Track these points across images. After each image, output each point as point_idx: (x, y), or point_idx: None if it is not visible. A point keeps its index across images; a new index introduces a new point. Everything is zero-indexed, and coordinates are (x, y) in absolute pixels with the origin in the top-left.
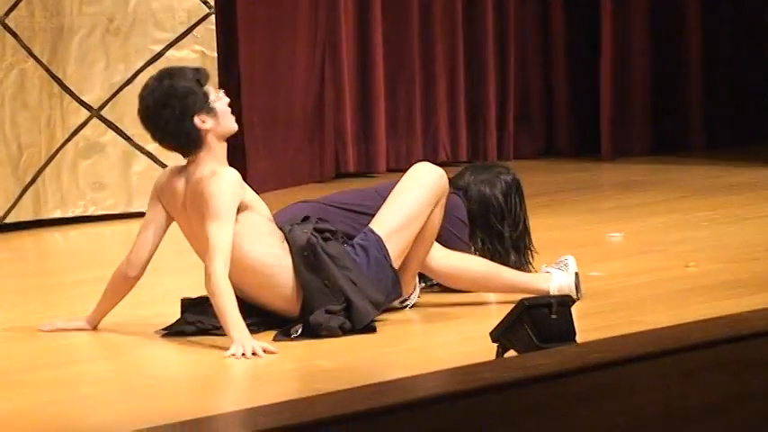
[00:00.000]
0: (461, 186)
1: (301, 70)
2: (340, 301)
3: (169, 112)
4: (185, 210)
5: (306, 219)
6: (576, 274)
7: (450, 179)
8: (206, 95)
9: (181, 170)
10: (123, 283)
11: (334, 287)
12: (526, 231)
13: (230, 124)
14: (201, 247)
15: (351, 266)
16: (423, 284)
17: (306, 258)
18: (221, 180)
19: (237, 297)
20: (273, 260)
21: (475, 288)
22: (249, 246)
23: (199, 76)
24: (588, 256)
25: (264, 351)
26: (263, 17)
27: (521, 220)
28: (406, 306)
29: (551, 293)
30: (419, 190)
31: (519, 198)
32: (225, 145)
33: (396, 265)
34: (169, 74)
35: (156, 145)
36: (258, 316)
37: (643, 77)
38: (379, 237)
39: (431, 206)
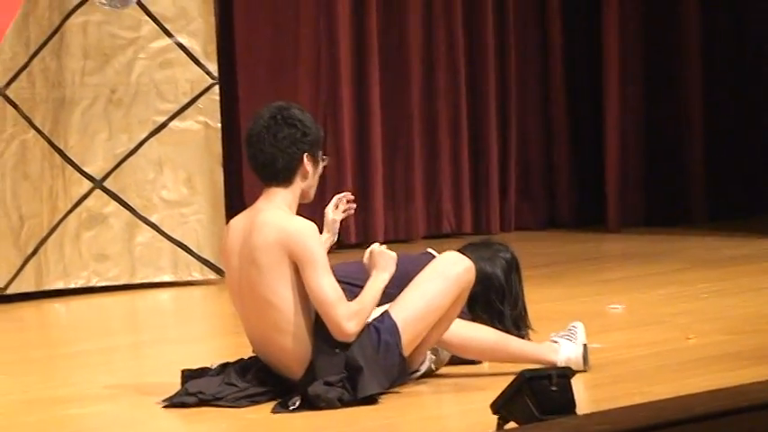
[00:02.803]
0: None
1: None
2: (341, 372)
3: (292, 131)
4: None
5: None
6: (585, 345)
7: None
8: (320, 148)
9: (240, 221)
10: None
11: (342, 356)
12: (524, 309)
13: (311, 192)
14: (254, 298)
15: (365, 343)
16: (433, 357)
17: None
18: (312, 232)
19: (251, 359)
20: (299, 311)
21: (484, 357)
22: (286, 290)
23: (321, 130)
24: (589, 328)
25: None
26: (264, 86)
27: (519, 297)
28: (414, 375)
29: (559, 364)
30: (444, 283)
31: (518, 276)
32: (296, 205)
33: (406, 352)
34: (300, 108)
35: (161, 215)
36: (264, 384)
37: (643, 149)
38: (394, 322)
39: (453, 299)
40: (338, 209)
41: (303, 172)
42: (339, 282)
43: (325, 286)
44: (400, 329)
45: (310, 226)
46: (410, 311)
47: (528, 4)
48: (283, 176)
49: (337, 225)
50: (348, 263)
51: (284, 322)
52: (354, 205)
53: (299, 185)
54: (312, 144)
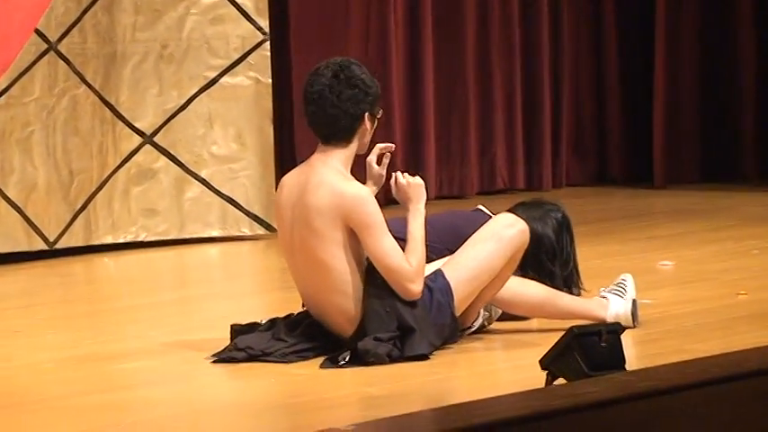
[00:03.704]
0: None
1: None
2: (392, 329)
3: (355, 92)
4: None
5: None
6: (634, 301)
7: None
8: (379, 107)
9: (294, 177)
10: None
11: (393, 316)
12: (576, 269)
13: (366, 145)
14: (305, 257)
15: (418, 302)
16: (486, 314)
17: (376, 281)
18: (368, 197)
19: (300, 315)
20: (351, 272)
21: (532, 314)
22: (338, 251)
23: (378, 85)
24: (639, 284)
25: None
26: (315, 42)
27: (570, 258)
28: (467, 331)
29: (608, 321)
30: (497, 244)
31: (569, 236)
32: (351, 162)
33: (458, 311)
34: (359, 65)
35: (211, 171)
36: (312, 340)
37: (695, 105)
38: (447, 282)
39: (506, 260)
40: (382, 162)
41: (362, 130)
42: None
43: (388, 250)
44: (453, 289)
45: (366, 191)
46: (463, 272)
47: None
48: (343, 136)
49: (383, 177)
50: (395, 218)
51: (336, 282)
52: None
53: (356, 143)
54: (373, 103)
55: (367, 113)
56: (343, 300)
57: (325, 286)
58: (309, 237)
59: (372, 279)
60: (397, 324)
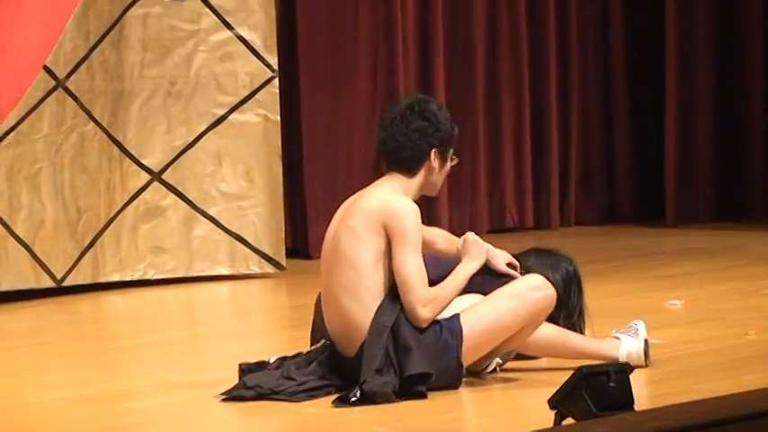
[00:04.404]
0: (524, 267)
1: (360, 132)
2: (388, 349)
3: (425, 125)
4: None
5: None
6: (646, 340)
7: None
8: (451, 147)
9: (358, 193)
10: None
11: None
12: (581, 321)
13: (437, 187)
14: (336, 252)
15: (426, 333)
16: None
17: (394, 305)
18: (414, 213)
19: (309, 353)
20: (373, 279)
21: (544, 353)
22: (368, 254)
23: (455, 129)
24: (648, 324)
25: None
26: (323, 78)
27: (576, 311)
28: (483, 372)
29: (620, 360)
30: (521, 304)
31: (578, 290)
32: (413, 195)
33: (466, 359)
34: (439, 105)
35: (219, 208)
36: (322, 378)
37: (707, 143)
38: (461, 326)
39: (526, 321)
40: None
41: (429, 166)
42: None
43: (411, 265)
44: (464, 336)
45: (414, 208)
46: (479, 322)
47: (590, 6)
48: (407, 166)
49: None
50: (430, 255)
51: (355, 283)
52: None
53: (422, 178)
54: (442, 140)
55: (435, 149)
56: (356, 306)
57: (344, 284)
58: (346, 233)
59: (390, 303)
60: (396, 344)
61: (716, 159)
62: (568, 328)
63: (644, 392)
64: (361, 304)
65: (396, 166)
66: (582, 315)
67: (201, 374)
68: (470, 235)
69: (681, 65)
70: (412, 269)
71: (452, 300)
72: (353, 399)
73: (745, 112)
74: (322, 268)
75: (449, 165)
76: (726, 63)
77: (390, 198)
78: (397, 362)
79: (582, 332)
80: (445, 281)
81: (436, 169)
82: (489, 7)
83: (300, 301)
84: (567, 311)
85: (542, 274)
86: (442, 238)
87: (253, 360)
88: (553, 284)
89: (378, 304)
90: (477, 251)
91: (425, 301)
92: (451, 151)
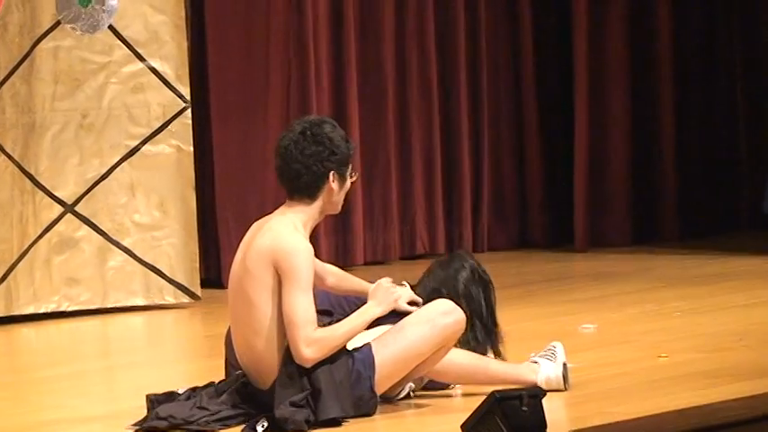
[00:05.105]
0: (425, 292)
1: (273, 161)
2: (304, 389)
3: (320, 149)
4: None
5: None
6: (564, 364)
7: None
8: (350, 165)
9: (259, 222)
10: None
11: (305, 374)
12: (494, 325)
13: (338, 206)
14: (239, 294)
15: (338, 366)
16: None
17: None
18: (304, 253)
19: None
20: (275, 318)
21: (462, 381)
22: (265, 295)
23: (351, 148)
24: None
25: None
26: (235, 109)
27: (485, 310)
28: (395, 399)
29: (539, 384)
30: (431, 330)
31: (481, 283)
32: (317, 222)
33: (379, 387)
34: (333, 125)
35: (133, 239)
36: (235, 407)
37: (619, 168)
38: (372, 356)
39: (436, 347)
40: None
41: (328, 189)
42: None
43: (297, 305)
44: (376, 365)
45: (306, 247)
46: (390, 350)
47: (500, 34)
48: (306, 193)
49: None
50: (323, 291)
51: (259, 324)
52: None
53: (322, 201)
54: (339, 162)
55: (333, 172)
56: (264, 345)
57: (250, 327)
58: (244, 275)
59: None
60: (309, 383)
61: (628, 184)
62: (487, 337)
63: (557, 416)
64: (268, 343)
65: (295, 193)
66: (493, 314)
67: (116, 405)
68: (384, 281)
69: (591, 92)
70: (297, 309)
71: (348, 340)
72: (260, 429)
73: (657, 136)
74: (229, 303)
75: (348, 183)
76: (637, 89)
77: (283, 236)
78: (313, 404)
79: (500, 340)
80: (342, 321)
81: (336, 191)
82: (397, 39)
83: (216, 330)
84: (479, 315)
85: (447, 292)
86: (333, 276)
87: (162, 391)
88: (459, 295)
89: (285, 341)
90: (384, 298)
91: (309, 341)
92: (350, 168)
